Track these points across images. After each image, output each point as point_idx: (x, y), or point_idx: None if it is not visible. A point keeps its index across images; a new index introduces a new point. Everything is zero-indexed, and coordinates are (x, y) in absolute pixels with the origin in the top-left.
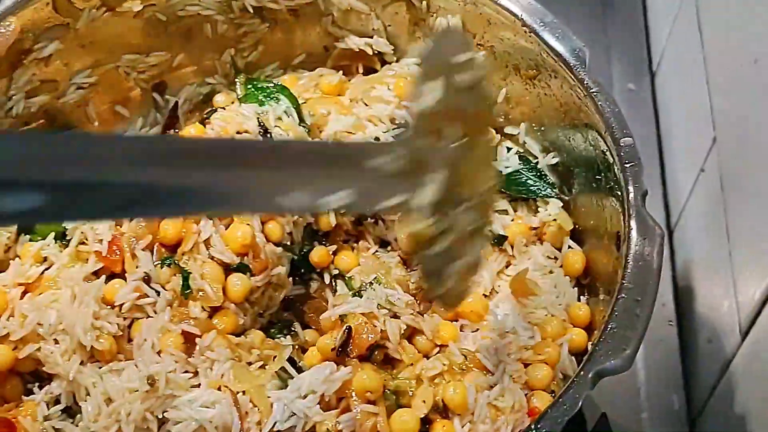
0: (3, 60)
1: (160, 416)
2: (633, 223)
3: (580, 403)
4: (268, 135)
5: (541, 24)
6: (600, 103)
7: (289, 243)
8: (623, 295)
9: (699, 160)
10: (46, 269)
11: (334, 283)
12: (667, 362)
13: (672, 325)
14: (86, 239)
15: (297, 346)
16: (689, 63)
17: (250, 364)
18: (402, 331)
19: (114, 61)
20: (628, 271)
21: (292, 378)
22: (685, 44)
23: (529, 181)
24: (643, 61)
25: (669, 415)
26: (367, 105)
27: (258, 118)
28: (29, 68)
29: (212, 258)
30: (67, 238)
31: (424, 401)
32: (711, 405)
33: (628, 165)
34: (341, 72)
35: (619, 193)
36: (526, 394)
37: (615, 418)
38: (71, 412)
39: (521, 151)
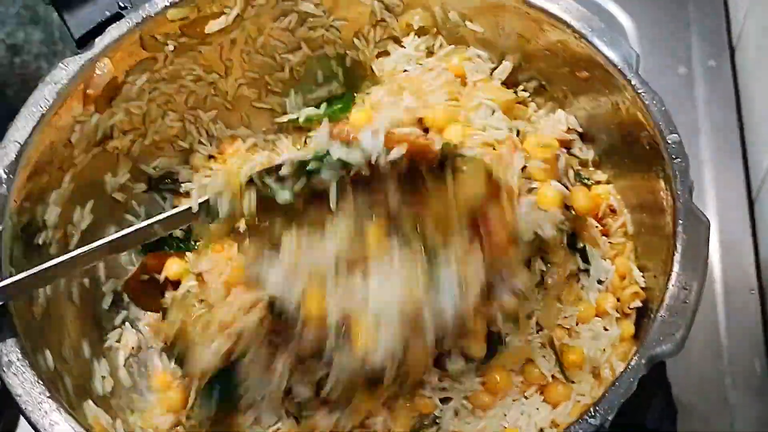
0: (100, 96)
1: None
2: (681, 216)
3: (635, 387)
4: None
5: (590, 30)
6: (647, 102)
7: None
8: (673, 282)
9: None
10: None
11: None
12: (749, 329)
13: (753, 293)
14: None
15: None
16: (767, 37)
17: None
18: None
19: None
20: (677, 260)
21: None
22: (764, 19)
23: None
24: (723, 38)
25: (751, 379)
26: None
27: None
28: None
29: None
30: None
31: None
32: None
33: (675, 160)
34: None
35: (668, 187)
36: None
37: (700, 383)
38: None
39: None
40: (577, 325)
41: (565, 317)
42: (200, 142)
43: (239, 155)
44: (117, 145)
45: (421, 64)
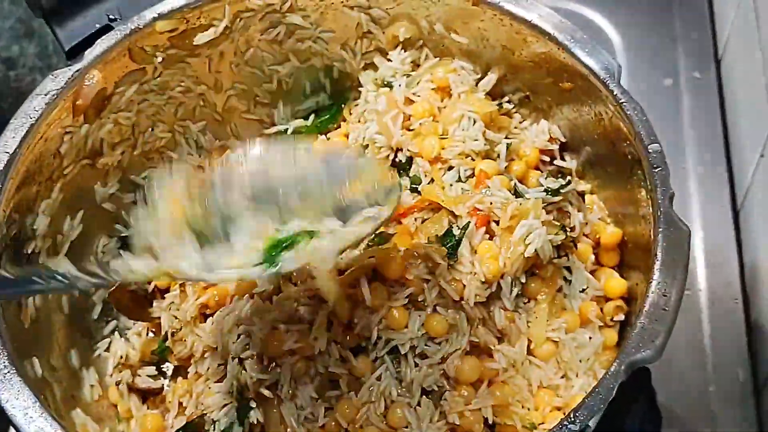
0: (90, 107)
1: None
2: (661, 224)
3: (614, 392)
4: None
5: (572, 40)
6: (628, 112)
7: None
8: (652, 290)
9: (759, 146)
10: None
11: None
12: (732, 338)
13: (737, 303)
14: None
15: None
16: (752, 50)
17: None
18: None
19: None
20: (657, 267)
21: None
22: (748, 32)
23: None
24: (709, 50)
25: (735, 387)
26: None
27: None
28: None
29: None
30: None
31: None
32: None
33: (656, 169)
34: None
35: (649, 195)
36: None
37: (684, 391)
38: None
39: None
40: (565, 334)
41: (554, 329)
42: (189, 154)
43: None
44: (107, 162)
45: (407, 76)
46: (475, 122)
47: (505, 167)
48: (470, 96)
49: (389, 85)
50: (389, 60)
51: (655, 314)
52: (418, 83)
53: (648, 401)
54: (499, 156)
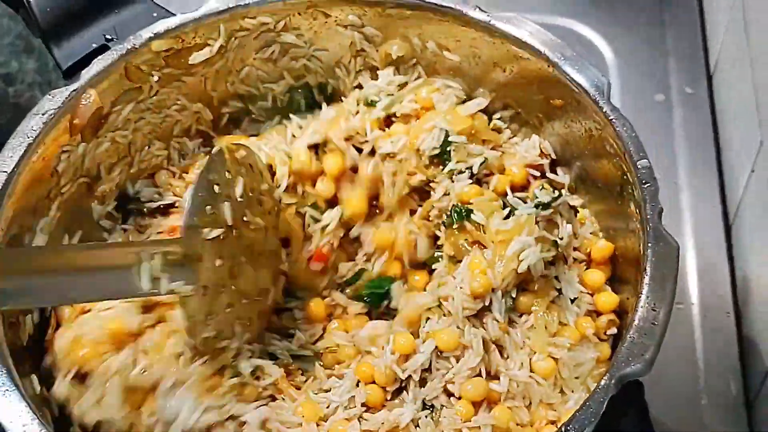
0: (86, 126)
1: None
2: (650, 239)
3: (604, 406)
4: None
5: (562, 58)
6: (618, 128)
7: None
8: (642, 304)
9: (750, 161)
10: None
11: None
12: (724, 351)
13: (729, 316)
14: None
15: None
16: (743, 66)
17: None
18: None
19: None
20: (646, 282)
21: None
22: (739, 47)
23: None
24: (701, 65)
25: (727, 400)
26: None
27: None
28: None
29: None
30: None
31: None
32: (766, 390)
33: (645, 185)
34: None
35: (638, 211)
36: None
37: (677, 404)
38: None
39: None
40: (569, 350)
41: (556, 345)
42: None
43: None
44: (106, 189)
45: (391, 95)
46: (447, 134)
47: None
48: (450, 110)
49: (372, 104)
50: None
51: (645, 328)
52: (401, 102)
53: (640, 415)
54: (471, 168)
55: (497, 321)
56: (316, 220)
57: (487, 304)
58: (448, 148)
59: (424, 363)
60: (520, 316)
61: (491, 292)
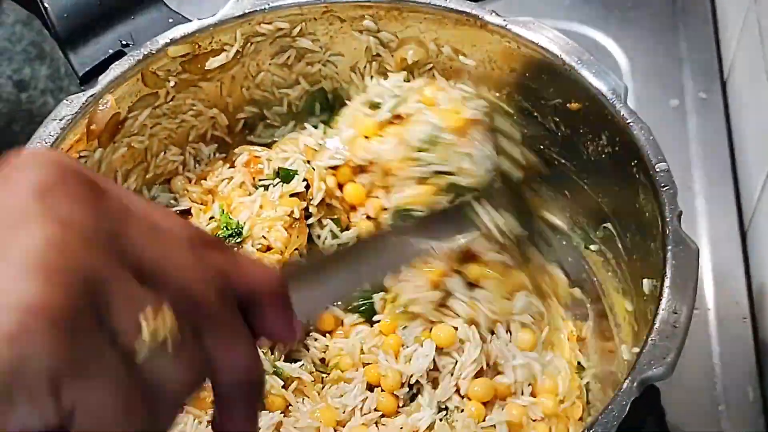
0: (103, 132)
1: None
2: (670, 242)
3: (627, 409)
4: None
5: (579, 62)
6: (635, 132)
7: None
8: (663, 307)
9: (765, 166)
10: None
11: None
12: (741, 357)
13: (746, 322)
14: None
15: None
16: (758, 70)
17: None
18: None
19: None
20: (667, 286)
21: None
22: (754, 53)
23: None
24: (714, 71)
25: (744, 407)
26: None
27: None
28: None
29: None
30: None
31: None
32: None
33: (663, 188)
34: None
35: (658, 214)
36: None
37: (693, 410)
38: None
39: None
40: None
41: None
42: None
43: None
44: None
45: (397, 96)
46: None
47: None
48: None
49: (377, 106)
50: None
51: (666, 331)
52: (406, 102)
53: (657, 421)
54: None
55: (463, 301)
56: (334, 236)
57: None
58: (436, 145)
59: (429, 365)
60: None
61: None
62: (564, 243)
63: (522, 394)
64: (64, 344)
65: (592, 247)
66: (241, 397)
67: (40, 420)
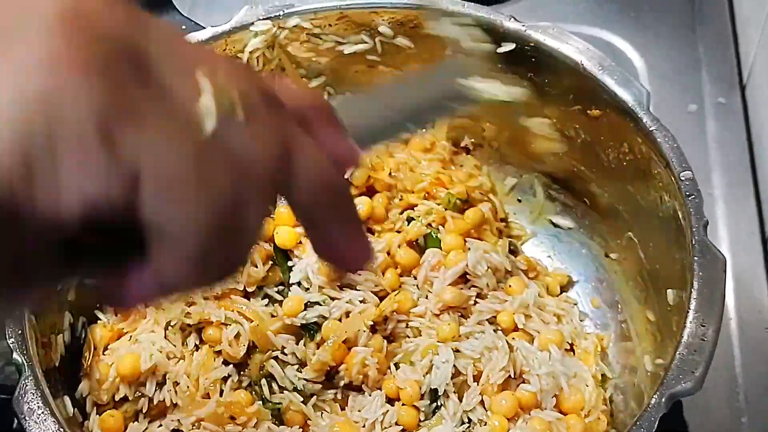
0: None
1: None
2: (696, 252)
3: (656, 425)
4: None
5: (600, 68)
6: (659, 139)
7: None
8: (690, 319)
9: None
10: None
11: None
12: (764, 367)
13: None
14: None
15: None
16: None
17: None
18: None
19: None
20: (694, 297)
21: None
22: None
23: None
24: (733, 76)
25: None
26: None
27: None
28: None
29: None
30: None
31: None
32: None
33: (689, 197)
34: None
35: (683, 224)
36: None
37: (716, 422)
38: None
39: None
40: None
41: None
42: None
43: None
44: None
45: None
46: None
47: None
48: None
49: None
50: None
51: (694, 345)
52: None
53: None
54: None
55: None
56: None
57: None
58: None
59: (451, 370)
60: None
61: None
62: (584, 251)
63: (546, 407)
64: (104, 89)
65: (612, 255)
66: (329, 209)
67: (99, 181)
